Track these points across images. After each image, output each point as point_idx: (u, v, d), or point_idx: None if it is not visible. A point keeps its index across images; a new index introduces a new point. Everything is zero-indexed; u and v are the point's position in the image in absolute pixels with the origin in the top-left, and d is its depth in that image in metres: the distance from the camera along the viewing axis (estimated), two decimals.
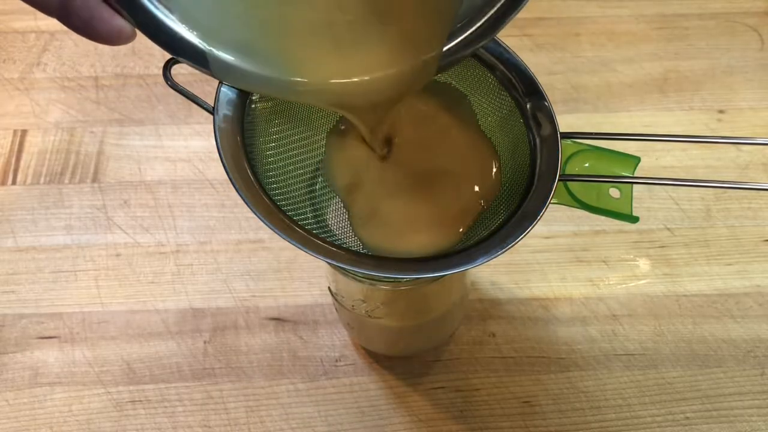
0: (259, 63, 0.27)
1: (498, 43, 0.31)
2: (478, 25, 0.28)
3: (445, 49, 0.29)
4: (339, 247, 0.28)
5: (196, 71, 0.27)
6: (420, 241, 0.31)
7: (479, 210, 0.32)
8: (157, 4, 0.25)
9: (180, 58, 0.27)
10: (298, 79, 0.28)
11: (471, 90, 0.33)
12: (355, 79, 0.28)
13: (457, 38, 0.29)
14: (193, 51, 0.27)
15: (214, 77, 0.28)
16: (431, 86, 0.33)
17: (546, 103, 0.30)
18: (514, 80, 0.31)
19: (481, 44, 0.28)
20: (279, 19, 0.27)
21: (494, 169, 0.33)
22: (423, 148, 0.34)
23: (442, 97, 0.34)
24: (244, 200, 0.27)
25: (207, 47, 0.27)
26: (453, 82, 0.34)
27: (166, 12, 0.26)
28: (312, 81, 0.28)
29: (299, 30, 0.27)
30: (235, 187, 0.27)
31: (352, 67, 0.28)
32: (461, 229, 0.32)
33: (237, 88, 0.29)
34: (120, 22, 0.24)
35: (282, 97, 0.31)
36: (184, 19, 0.26)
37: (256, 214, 0.27)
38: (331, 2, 0.26)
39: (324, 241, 0.28)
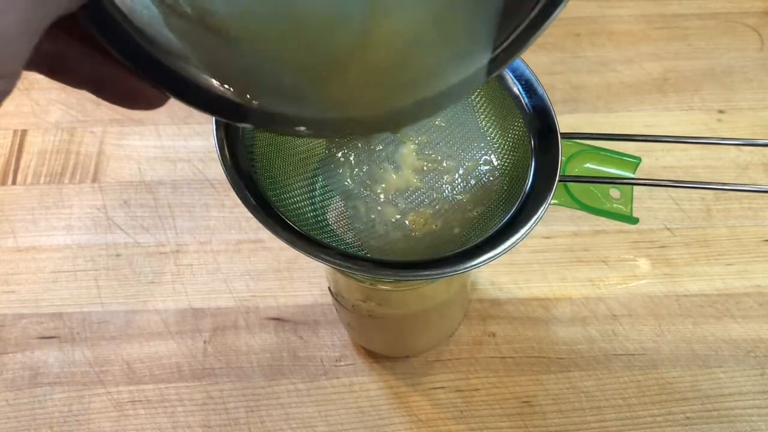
0: (302, 105, 0.24)
1: None
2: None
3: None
4: (339, 248, 0.28)
5: None
6: None
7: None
8: (187, 66, 0.23)
9: (220, 118, 0.24)
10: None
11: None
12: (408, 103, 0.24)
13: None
14: (231, 107, 0.23)
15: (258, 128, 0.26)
16: None
17: (546, 104, 0.30)
18: (514, 80, 0.31)
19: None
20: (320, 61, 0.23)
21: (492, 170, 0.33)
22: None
23: None
24: (243, 201, 0.27)
25: (245, 101, 0.23)
26: None
27: (199, 73, 0.23)
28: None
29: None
30: (234, 187, 0.27)
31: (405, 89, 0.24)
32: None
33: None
34: (153, 91, 0.23)
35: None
36: (217, 77, 0.23)
37: (255, 215, 0.27)
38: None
39: (324, 243, 0.28)
